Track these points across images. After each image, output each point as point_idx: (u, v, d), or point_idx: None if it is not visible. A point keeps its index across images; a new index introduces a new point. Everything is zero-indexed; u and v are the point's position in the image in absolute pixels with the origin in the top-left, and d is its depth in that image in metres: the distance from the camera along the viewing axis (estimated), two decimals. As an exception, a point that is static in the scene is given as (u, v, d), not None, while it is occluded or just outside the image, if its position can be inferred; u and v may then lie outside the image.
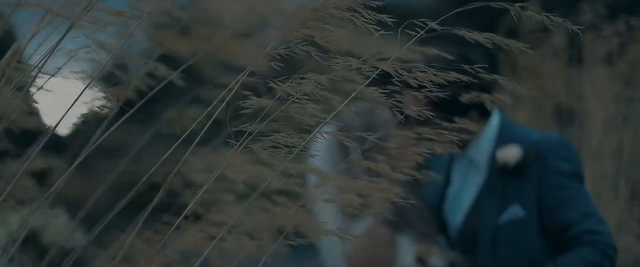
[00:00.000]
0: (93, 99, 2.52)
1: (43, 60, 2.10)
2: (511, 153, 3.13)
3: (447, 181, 3.29)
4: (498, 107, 3.22)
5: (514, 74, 5.84)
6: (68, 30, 2.13)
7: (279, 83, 1.96)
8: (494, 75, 3.02)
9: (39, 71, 2.19)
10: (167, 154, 2.22)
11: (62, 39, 2.15)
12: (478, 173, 3.20)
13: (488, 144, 3.18)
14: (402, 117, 2.03)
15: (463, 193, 3.23)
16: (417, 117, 2.07)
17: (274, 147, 2.00)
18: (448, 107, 2.34)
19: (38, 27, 2.19)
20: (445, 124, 2.33)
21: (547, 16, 1.96)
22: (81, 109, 2.45)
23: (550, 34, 5.63)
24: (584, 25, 5.62)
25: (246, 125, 2.00)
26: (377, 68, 1.92)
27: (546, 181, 3.11)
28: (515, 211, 3.13)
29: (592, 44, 5.67)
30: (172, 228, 2.25)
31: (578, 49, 5.72)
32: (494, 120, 3.20)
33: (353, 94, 1.94)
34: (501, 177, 3.14)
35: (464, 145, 3.17)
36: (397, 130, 2.27)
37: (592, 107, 5.65)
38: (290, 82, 1.94)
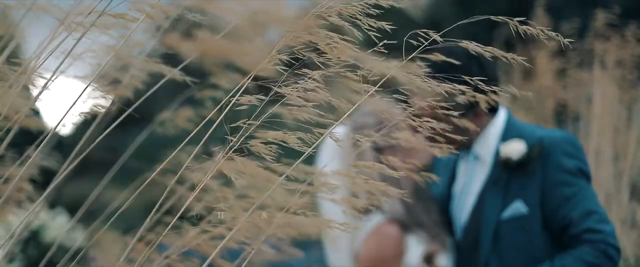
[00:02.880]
0: (92, 98, 2.51)
1: (44, 61, 2.10)
2: (514, 148, 3.12)
3: (452, 178, 3.29)
4: (504, 105, 3.23)
5: (518, 74, 5.84)
6: (81, 36, 2.13)
7: (278, 85, 1.97)
8: (496, 79, 3.03)
9: (37, 70, 2.19)
10: (169, 157, 2.22)
11: (76, 44, 2.15)
12: (483, 169, 3.19)
13: (494, 140, 3.17)
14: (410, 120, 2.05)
15: (468, 190, 3.22)
16: (422, 123, 2.08)
17: (270, 143, 2.00)
18: (453, 104, 2.34)
19: (54, 33, 2.19)
20: (445, 126, 2.34)
21: (541, 30, 1.98)
22: (81, 108, 2.44)
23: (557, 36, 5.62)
24: (594, 30, 5.63)
25: (243, 121, 2.00)
26: (380, 77, 1.94)
27: (550, 177, 3.10)
28: (518, 207, 3.11)
29: (599, 48, 5.68)
30: (172, 229, 2.25)
31: (584, 52, 5.73)
32: (501, 117, 3.20)
33: (359, 102, 1.95)
34: (505, 172, 3.14)
35: (464, 146, 3.17)
36: (407, 128, 2.27)
37: (595, 109, 5.64)
38: (286, 79, 1.95)
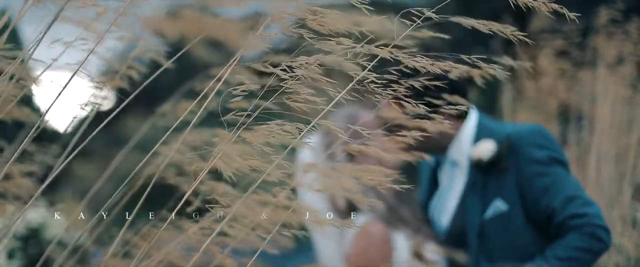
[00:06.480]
0: (89, 90, 2.51)
1: (34, 49, 2.09)
2: (483, 148, 3.12)
3: (435, 187, 3.28)
4: (475, 107, 3.21)
5: (518, 74, 5.83)
6: (55, 18, 2.12)
7: (271, 67, 1.95)
8: (461, 88, 2.99)
9: (29, 58, 2.19)
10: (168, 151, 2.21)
11: (51, 23, 2.13)
12: (461, 174, 3.19)
13: (467, 144, 3.16)
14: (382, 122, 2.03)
15: (449, 195, 3.22)
16: (393, 122, 2.07)
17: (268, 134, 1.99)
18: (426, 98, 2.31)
19: (26, 6, 2.18)
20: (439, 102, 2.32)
21: (544, 3, 1.95)
22: (79, 100, 2.43)
23: (557, 35, 5.62)
24: (596, 27, 5.62)
25: (239, 113, 1.99)
26: (373, 54, 1.92)
27: (523, 171, 3.09)
28: (497, 206, 3.11)
29: (602, 46, 5.66)
30: (171, 224, 2.24)
31: (586, 51, 5.71)
32: (472, 120, 3.18)
33: (351, 84, 1.93)
34: (481, 173, 3.13)
35: (440, 152, 3.17)
36: (378, 131, 2.26)
37: (599, 109, 5.63)
38: (283, 66, 1.93)
